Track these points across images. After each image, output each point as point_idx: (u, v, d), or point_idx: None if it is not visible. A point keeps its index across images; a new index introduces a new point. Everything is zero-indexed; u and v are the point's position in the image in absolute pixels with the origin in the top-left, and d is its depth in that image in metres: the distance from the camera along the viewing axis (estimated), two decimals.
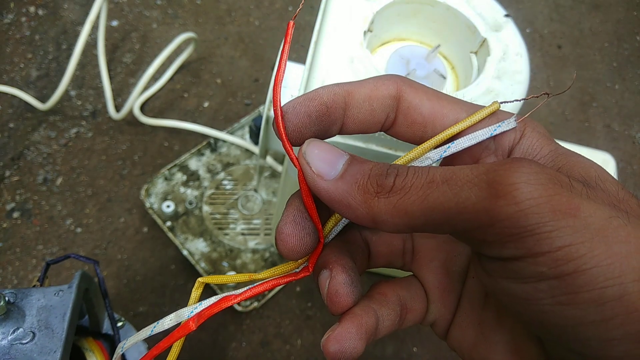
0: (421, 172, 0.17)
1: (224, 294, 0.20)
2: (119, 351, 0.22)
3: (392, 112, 0.20)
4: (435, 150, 0.20)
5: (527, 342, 0.20)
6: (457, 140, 0.20)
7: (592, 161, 0.19)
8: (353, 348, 0.20)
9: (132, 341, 0.21)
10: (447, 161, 0.22)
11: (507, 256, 0.16)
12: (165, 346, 0.20)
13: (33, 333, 0.30)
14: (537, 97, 0.23)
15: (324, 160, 0.18)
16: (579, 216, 0.15)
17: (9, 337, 0.30)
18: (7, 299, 0.31)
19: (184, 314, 0.20)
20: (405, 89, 0.20)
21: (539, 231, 0.15)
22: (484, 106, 0.21)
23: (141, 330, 0.21)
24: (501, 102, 0.20)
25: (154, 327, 0.21)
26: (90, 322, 0.38)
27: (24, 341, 0.30)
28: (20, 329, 0.30)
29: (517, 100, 0.22)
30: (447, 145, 0.20)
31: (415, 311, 0.23)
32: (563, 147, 0.20)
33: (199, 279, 0.22)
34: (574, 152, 0.19)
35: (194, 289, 0.22)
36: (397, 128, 0.21)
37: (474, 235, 0.17)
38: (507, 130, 0.20)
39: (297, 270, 0.21)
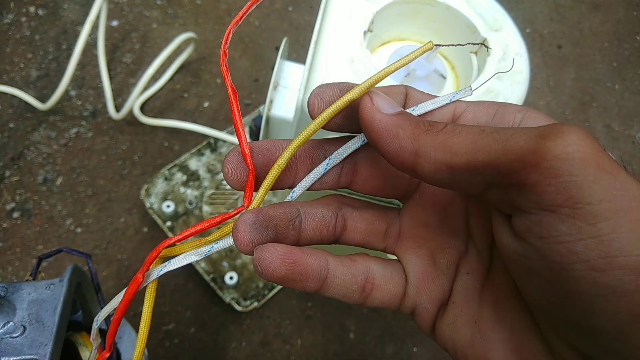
0: (473, 125, 0.18)
1: (165, 239, 0.21)
2: (94, 325, 0.22)
3: (402, 106, 0.22)
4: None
5: (529, 339, 0.20)
6: (420, 105, 0.21)
7: None
8: (270, 262, 0.20)
9: (106, 312, 0.22)
10: None
11: (546, 203, 0.15)
12: (123, 305, 0.20)
13: (23, 327, 0.30)
14: (475, 44, 0.25)
15: (385, 101, 0.19)
16: (619, 179, 0.15)
17: None
18: None
19: (154, 272, 0.21)
20: (411, 89, 0.22)
21: (583, 179, 0.15)
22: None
23: (113, 299, 0.21)
24: (435, 45, 0.21)
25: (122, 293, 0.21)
26: (84, 317, 0.38)
27: (15, 335, 0.30)
28: (11, 323, 0.30)
29: (452, 45, 0.24)
30: (412, 108, 0.21)
31: (384, 290, 0.23)
32: None
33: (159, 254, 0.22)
34: None
35: (153, 266, 0.22)
36: None
37: (515, 178, 0.16)
38: (508, 107, 0.21)
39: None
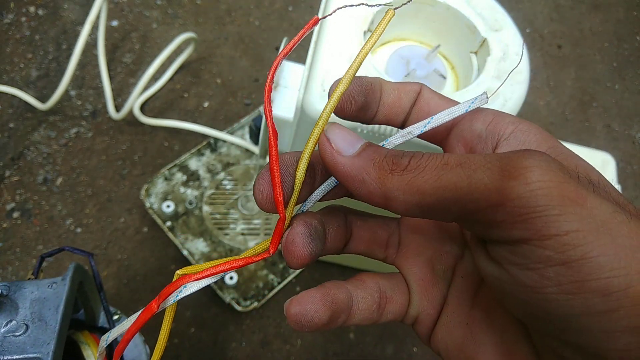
0: (436, 156, 0.18)
1: (183, 274, 0.21)
2: (102, 344, 0.23)
3: (412, 104, 0.22)
4: (417, 124, 0.21)
5: (518, 343, 0.20)
6: (436, 116, 0.21)
7: (592, 166, 0.19)
8: (315, 312, 0.20)
9: (116, 333, 0.22)
10: (445, 148, 0.23)
11: (515, 238, 0.16)
12: (133, 330, 0.20)
13: (26, 325, 0.30)
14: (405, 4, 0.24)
15: (344, 139, 0.19)
16: (585, 206, 0.15)
17: (2, 330, 0.30)
18: (0, 291, 0.31)
19: (170, 299, 0.21)
20: (426, 89, 0.22)
21: (548, 213, 0.15)
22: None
23: (124, 321, 0.21)
24: (395, 9, 0.20)
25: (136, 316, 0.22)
26: (86, 315, 0.38)
27: (17, 333, 0.30)
28: (13, 322, 0.30)
29: (404, 4, 0.23)
30: (427, 120, 0.21)
31: (395, 302, 0.23)
32: (563, 146, 0.20)
33: (177, 272, 0.22)
34: (574, 153, 0.20)
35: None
36: (408, 120, 0.23)
37: (483, 216, 0.17)
38: (501, 116, 0.21)
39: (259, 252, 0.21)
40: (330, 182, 0.22)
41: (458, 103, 0.22)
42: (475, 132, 0.21)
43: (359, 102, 0.22)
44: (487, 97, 0.21)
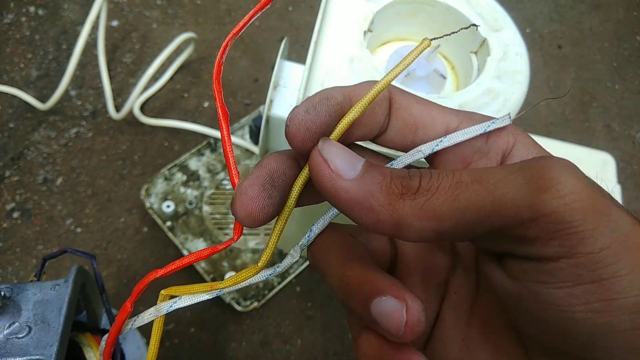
0: (446, 174, 0.16)
1: (150, 273, 0.21)
2: (102, 344, 0.23)
3: (387, 114, 0.20)
4: (428, 144, 0.19)
5: (514, 358, 0.20)
6: (450, 135, 0.19)
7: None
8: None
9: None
10: (434, 162, 0.21)
11: (547, 255, 0.15)
12: (114, 332, 0.21)
13: (29, 327, 0.30)
14: (465, 28, 0.22)
15: (344, 159, 0.17)
16: (612, 218, 0.15)
17: (5, 332, 0.30)
18: (2, 293, 0.31)
19: (163, 308, 0.21)
20: (395, 91, 0.20)
21: (583, 229, 0.15)
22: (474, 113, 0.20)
23: (123, 325, 0.22)
24: (431, 39, 0.19)
25: (134, 321, 0.22)
26: (88, 317, 0.38)
27: (20, 335, 0.30)
28: (16, 324, 0.30)
29: (446, 35, 0.21)
30: (440, 139, 0.19)
31: None
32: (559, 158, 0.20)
33: (162, 292, 0.22)
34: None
35: (158, 301, 0.22)
36: (388, 133, 0.20)
37: (512, 233, 0.16)
38: (500, 129, 0.19)
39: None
40: (333, 211, 0.20)
41: (437, 104, 0.20)
42: (475, 146, 0.20)
43: (329, 133, 0.18)
44: (510, 119, 0.19)
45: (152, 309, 0.21)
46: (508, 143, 0.19)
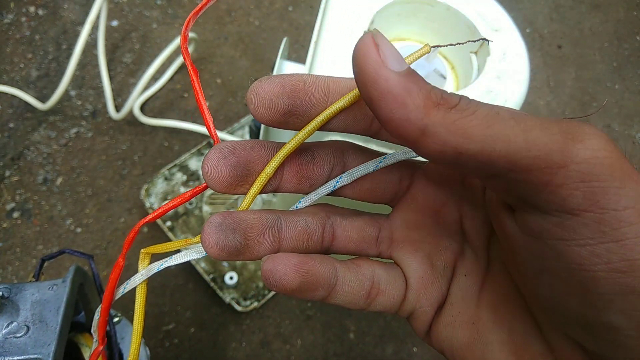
0: (486, 104, 0.16)
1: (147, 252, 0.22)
2: (96, 316, 0.23)
3: None
4: None
5: (529, 340, 0.20)
6: None
7: None
8: (284, 274, 0.19)
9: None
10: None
11: (571, 207, 0.15)
12: (109, 292, 0.21)
13: (27, 327, 0.30)
14: (474, 41, 0.23)
15: (392, 52, 0.16)
16: (639, 183, 0.15)
17: (3, 331, 0.30)
18: (0, 293, 0.31)
19: (153, 267, 0.22)
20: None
21: (610, 185, 0.15)
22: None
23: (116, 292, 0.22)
24: (432, 47, 0.19)
25: (126, 285, 0.22)
26: (87, 318, 0.38)
27: (18, 335, 0.30)
28: (14, 323, 0.30)
29: (451, 45, 0.22)
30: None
31: (387, 295, 0.22)
32: None
33: (142, 250, 0.22)
34: None
35: (139, 262, 0.22)
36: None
37: (537, 177, 0.15)
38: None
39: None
40: (330, 186, 0.21)
41: None
42: None
43: (281, 107, 0.19)
44: None
45: (143, 270, 0.22)
46: None
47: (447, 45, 0.22)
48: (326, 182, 0.22)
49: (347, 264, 0.22)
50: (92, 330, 0.24)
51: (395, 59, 0.16)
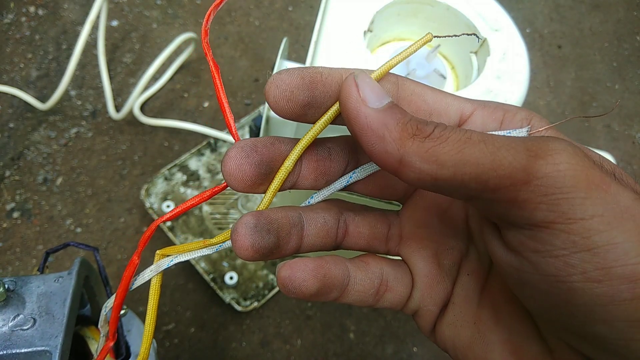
0: (459, 129, 0.17)
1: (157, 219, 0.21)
2: (103, 312, 0.23)
3: (394, 99, 0.20)
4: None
5: (528, 341, 0.20)
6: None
7: (607, 158, 0.19)
8: (303, 280, 0.20)
9: (114, 299, 0.22)
10: None
11: (538, 220, 0.16)
12: (122, 290, 0.21)
13: (34, 319, 0.30)
14: (468, 34, 0.25)
15: (373, 90, 0.18)
16: (610, 192, 0.15)
17: (10, 324, 0.30)
18: (6, 286, 0.31)
19: (163, 264, 0.21)
20: (404, 80, 0.21)
21: (574, 195, 0.15)
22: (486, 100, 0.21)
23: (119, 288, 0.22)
24: (435, 36, 0.21)
25: (135, 281, 0.22)
26: (92, 310, 0.38)
27: (25, 327, 0.30)
28: (21, 316, 0.30)
29: (449, 36, 0.23)
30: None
31: (395, 292, 0.23)
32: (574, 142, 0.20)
33: (158, 252, 0.22)
34: (585, 148, 0.19)
35: (154, 263, 0.22)
36: None
37: (504, 194, 0.16)
38: (489, 106, 0.20)
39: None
40: (343, 181, 0.21)
41: (449, 93, 0.21)
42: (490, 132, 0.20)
43: (301, 99, 0.19)
44: (527, 133, 0.20)
45: (152, 266, 0.22)
46: (521, 128, 0.20)
47: (446, 37, 0.22)
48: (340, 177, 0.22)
49: (357, 263, 0.22)
50: (99, 326, 0.24)
51: (375, 97, 0.18)
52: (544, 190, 0.15)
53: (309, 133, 0.20)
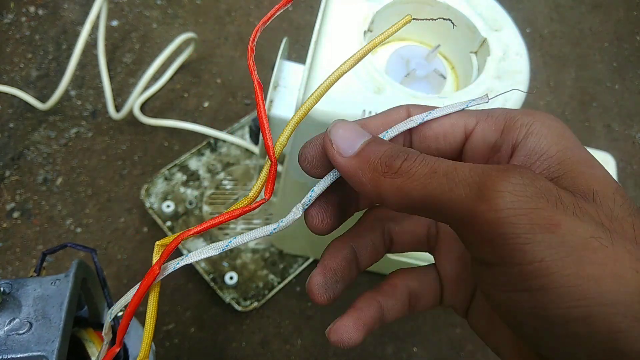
0: (428, 160, 0.18)
1: (182, 232, 0.21)
2: (107, 319, 0.23)
3: (407, 133, 0.22)
4: (419, 115, 0.22)
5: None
6: (436, 109, 0.22)
7: (603, 174, 0.18)
8: (349, 338, 0.23)
9: (120, 305, 0.22)
10: (445, 154, 0.22)
11: (484, 258, 0.17)
12: (137, 298, 0.21)
13: (30, 323, 0.30)
14: (445, 19, 0.27)
15: (345, 138, 0.20)
16: (558, 233, 0.15)
17: (5, 328, 0.29)
18: (2, 289, 0.30)
19: (170, 266, 0.21)
20: (414, 109, 0.22)
21: (513, 242, 0.15)
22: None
23: (129, 292, 0.22)
24: (413, 18, 0.22)
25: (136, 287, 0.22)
26: (90, 312, 0.37)
27: (21, 331, 0.29)
28: (17, 320, 0.30)
29: (426, 20, 0.26)
30: (428, 112, 0.22)
31: (426, 298, 0.25)
32: (578, 149, 0.19)
33: (157, 243, 0.22)
34: (587, 159, 0.19)
35: (154, 254, 0.22)
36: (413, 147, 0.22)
37: (459, 231, 0.17)
38: (514, 120, 0.20)
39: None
40: (333, 175, 0.22)
41: (459, 111, 0.22)
42: (490, 143, 0.21)
43: (325, 163, 0.22)
44: (489, 99, 0.22)
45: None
46: (518, 135, 0.20)
47: (423, 20, 0.25)
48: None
49: (385, 290, 0.24)
50: (103, 333, 0.24)
51: (347, 144, 0.20)
52: (484, 235, 0.16)
53: (299, 111, 0.22)
